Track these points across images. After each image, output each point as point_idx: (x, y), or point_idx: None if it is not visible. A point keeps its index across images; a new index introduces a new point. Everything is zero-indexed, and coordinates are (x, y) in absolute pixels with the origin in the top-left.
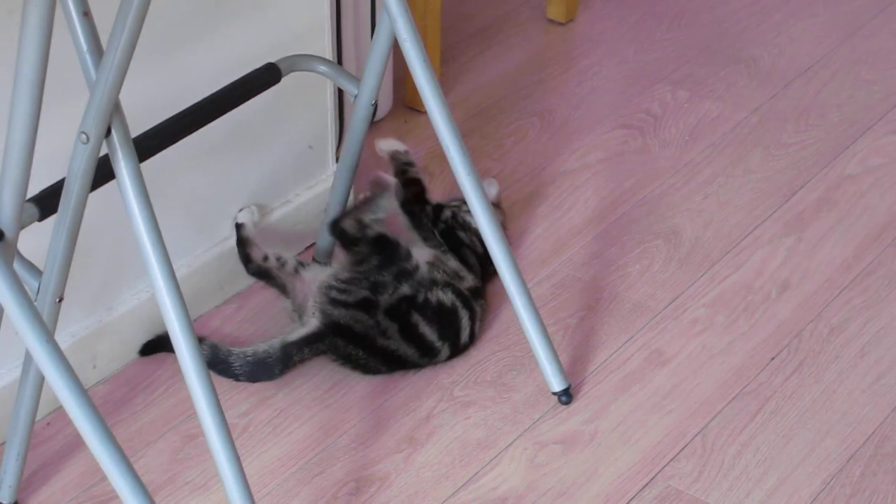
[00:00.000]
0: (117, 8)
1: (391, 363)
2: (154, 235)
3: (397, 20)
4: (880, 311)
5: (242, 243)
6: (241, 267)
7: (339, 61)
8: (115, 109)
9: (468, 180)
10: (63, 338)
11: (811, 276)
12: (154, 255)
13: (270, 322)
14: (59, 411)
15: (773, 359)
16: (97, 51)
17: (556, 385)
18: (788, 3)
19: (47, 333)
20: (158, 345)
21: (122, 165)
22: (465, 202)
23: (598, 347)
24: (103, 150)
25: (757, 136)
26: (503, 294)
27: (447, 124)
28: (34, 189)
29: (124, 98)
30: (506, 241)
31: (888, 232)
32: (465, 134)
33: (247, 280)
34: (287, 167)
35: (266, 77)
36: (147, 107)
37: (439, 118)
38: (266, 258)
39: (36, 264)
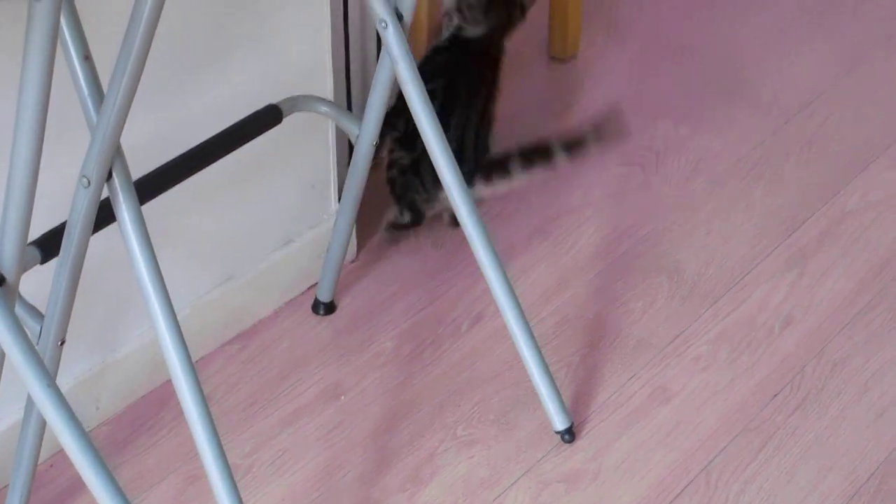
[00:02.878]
0: (118, 51)
1: None
2: (155, 278)
3: (398, 62)
4: (883, 346)
5: None
6: (244, 306)
7: (349, 100)
8: (117, 153)
9: (469, 219)
10: (66, 379)
11: (814, 312)
12: (155, 298)
13: (274, 360)
14: (62, 453)
15: (776, 395)
16: (98, 94)
17: (559, 423)
18: (789, 37)
19: (48, 378)
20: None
21: (124, 209)
22: None
23: (601, 385)
24: (105, 193)
25: (759, 171)
26: (505, 332)
27: (448, 163)
28: (36, 232)
29: (126, 139)
30: (508, 279)
31: (890, 266)
32: None
33: (250, 319)
34: (290, 207)
35: (267, 118)
36: (149, 148)
37: (440, 157)
38: None
39: (37, 307)
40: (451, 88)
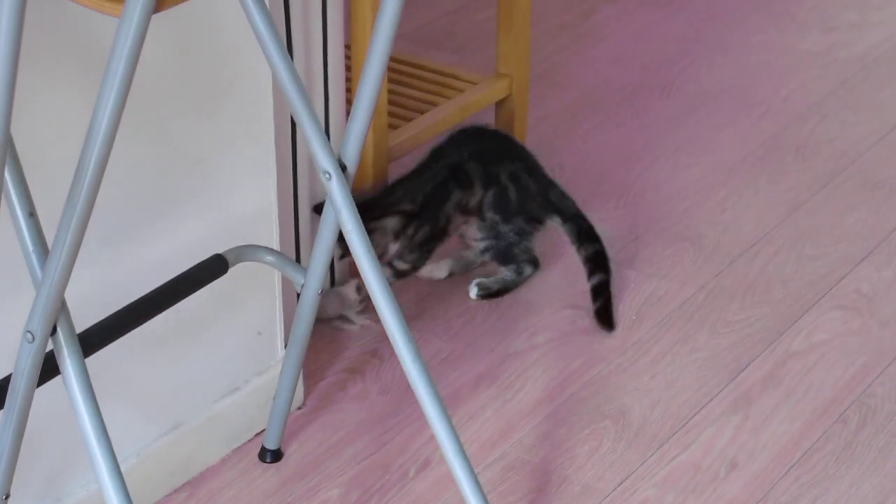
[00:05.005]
0: (63, 205)
1: None
2: (99, 431)
3: (341, 211)
4: (828, 489)
5: None
6: (190, 454)
7: (297, 244)
8: (61, 308)
9: (414, 367)
10: None
11: (759, 455)
12: (99, 450)
13: None
14: None
15: None
16: (43, 250)
17: None
18: (732, 180)
19: None
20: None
21: (68, 363)
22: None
23: None
24: (50, 346)
25: (703, 314)
26: (453, 478)
27: (393, 314)
28: None
29: (71, 292)
30: (453, 426)
31: (834, 408)
32: (415, 315)
33: (198, 467)
34: (236, 354)
35: (213, 268)
36: (94, 300)
37: (385, 307)
38: None
39: None
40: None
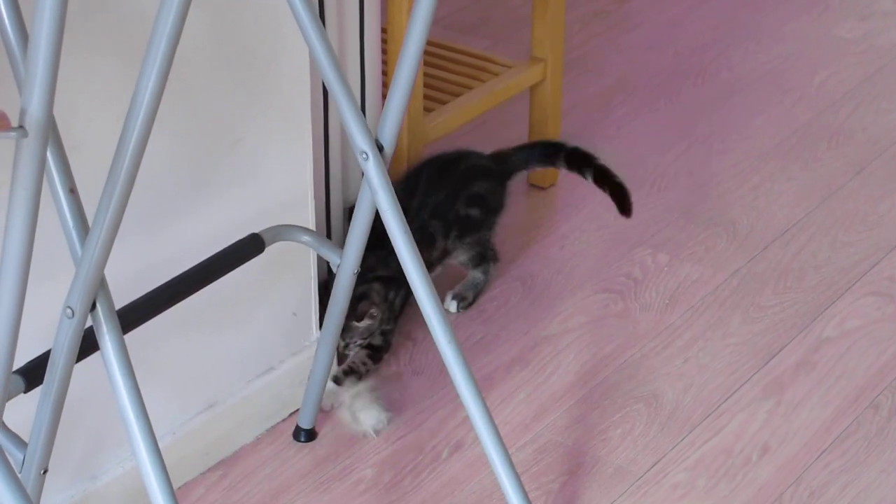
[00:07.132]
0: (103, 184)
1: None
2: (137, 407)
3: (378, 192)
4: (860, 474)
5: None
6: (225, 433)
7: (328, 227)
8: (101, 284)
9: (449, 349)
10: None
11: (791, 440)
12: (137, 426)
13: (255, 488)
14: None
15: None
16: (83, 227)
17: None
18: (766, 167)
19: None
20: None
21: (107, 339)
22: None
23: None
24: (88, 322)
25: (736, 300)
26: (486, 459)
27: (428, 294)
28: (20, 361)
29: (109, 269)
30: (487, 407)
31: (866, 394)
32: None
33: (232, 446)
34: (271, 334)
35: (250, 247)
36: (132, 278)
37: (420, 288)
38: None
39: (21, 435)
40: None
